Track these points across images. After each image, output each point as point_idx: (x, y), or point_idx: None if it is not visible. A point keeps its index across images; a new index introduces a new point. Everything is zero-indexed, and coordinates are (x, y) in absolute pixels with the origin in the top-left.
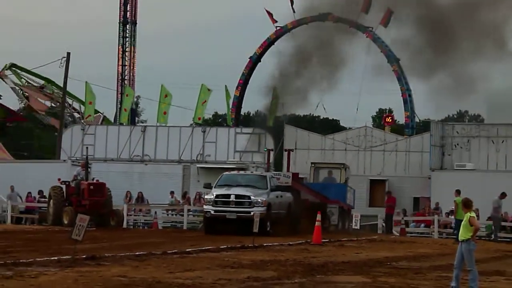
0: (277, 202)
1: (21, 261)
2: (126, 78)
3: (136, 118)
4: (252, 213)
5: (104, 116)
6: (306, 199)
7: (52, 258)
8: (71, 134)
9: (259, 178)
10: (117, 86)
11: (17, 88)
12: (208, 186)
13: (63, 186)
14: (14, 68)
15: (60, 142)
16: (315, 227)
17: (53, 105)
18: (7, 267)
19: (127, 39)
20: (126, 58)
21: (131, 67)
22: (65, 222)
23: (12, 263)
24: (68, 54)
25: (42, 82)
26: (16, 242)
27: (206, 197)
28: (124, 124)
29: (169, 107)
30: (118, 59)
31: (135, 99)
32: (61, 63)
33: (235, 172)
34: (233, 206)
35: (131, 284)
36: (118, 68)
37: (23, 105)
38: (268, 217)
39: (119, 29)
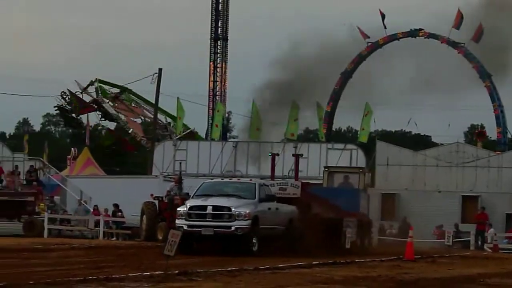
0: (268, 215)
1: (113, 276)
2: (217, 94)
3: (228, 134)
4: (233, 228)
5: (196, 132)
6: (317, 213)
7: (145, 273)
8: (163, 149)
9: (246, 187)
10: (208, 102)
11: (111, 109)
12: None
13: (156, 202)
14: (100, 84)
15: (152, 158)
16: (407, 243)
17: (142, 119)
18: (100, 282)
19: (218, 55)
20: (218, 74)
21: (223, 83)
22: (159, 237)
23: (105, 278)
24: (160, 70)
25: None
26: (108, 257)
27: (178, 209)
28: (216, 139)
29: (261, 123)
30: (210, 75)
31: (227, 115)
32: (152, 79)
33: (218, 179)
34: (210, 219)
35: None
36: (209, 84)
37: (131, 134)
38: (254, 233)
39: (211, 46)
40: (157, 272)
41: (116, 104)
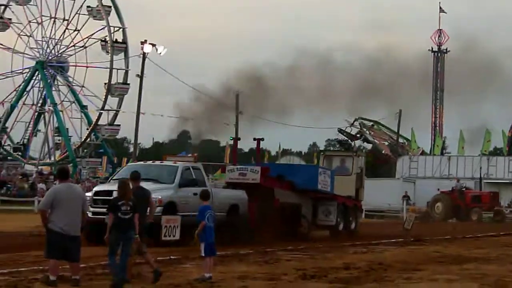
0: (187, 202)
1: (371, 242)
2: (437, 126)
3: (444, 151)
4: None
5: (423, 150)
6: (277, 199)
7: (392, 240)
8: (402, 162)
9: (166, 170)
10: (432, 129)
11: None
12: None
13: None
14: (361, 120)
15: (395, 167)
16: None
17: (389, 142)
18: (363, 246)
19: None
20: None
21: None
22: (473, 218)
23: (366, 243)
24: (400, 111)
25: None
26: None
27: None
28: (436, 154)
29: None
30: (432, 115)
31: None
32: (395, 117)
33: (141, 162)
34: None
35: (442, 256)
36: (432, 119)
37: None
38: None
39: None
40: (400, 240)
41: (372, 133)
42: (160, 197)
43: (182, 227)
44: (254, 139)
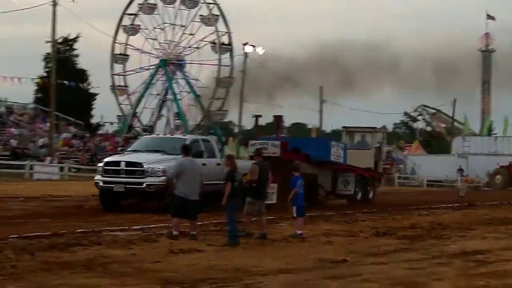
0: None
1: (432, 206)
2: (485, 111)
3: (491, 132)
4: (144, 185)
5: (474, 132)
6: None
7: (448, 205)
8: (456, 140)
9: (174, 142)
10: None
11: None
12: None
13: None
14: (423, 107)
15: (451, 145)
16: None
17: (445, 125)
18: (425, 210)
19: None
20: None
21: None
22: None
23: (428, 207)
24: (455, 100)
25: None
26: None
27: (98, 165)
28: (484, 135)
29: None
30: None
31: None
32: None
33: (155, 135)
34: (123, 175)
35: (491, 219)
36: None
37: (429, 129)
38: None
39: None
40: (456, 205)
41: (431, 117)
42: (162, 167)
43: None
44: (274, 116)
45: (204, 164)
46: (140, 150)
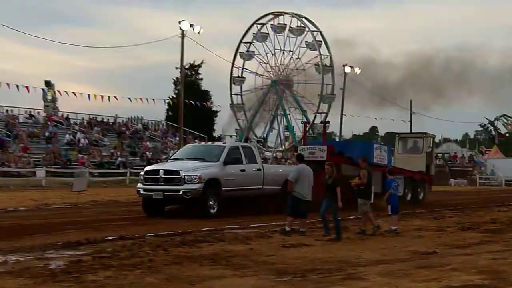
0: (233, 178)
1: (511, 203)
2: None
3: None
4: (181, 192)
5: None
6: (340, 173)
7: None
8: None
9: (213, 150)
10: None
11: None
12: None
13: None
14: (505, 116)
15: None
16: None
17: None
18: (505, 206)
19: None
20: None
21: None
22: None
23: (507, 204)
24: None
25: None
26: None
27: (140, 173)
28: None
29: None
30: None
31: None
32: None
33: (196, 143)
34: (162, 183)
35: None
36: None
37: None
38: (211, 196)
39: None
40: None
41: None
42: (199, 174)
43: (227, 199)
44: (321, 122)
45: (243, 170)
46: (181, 158)
